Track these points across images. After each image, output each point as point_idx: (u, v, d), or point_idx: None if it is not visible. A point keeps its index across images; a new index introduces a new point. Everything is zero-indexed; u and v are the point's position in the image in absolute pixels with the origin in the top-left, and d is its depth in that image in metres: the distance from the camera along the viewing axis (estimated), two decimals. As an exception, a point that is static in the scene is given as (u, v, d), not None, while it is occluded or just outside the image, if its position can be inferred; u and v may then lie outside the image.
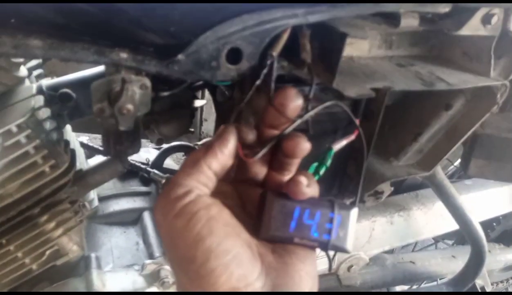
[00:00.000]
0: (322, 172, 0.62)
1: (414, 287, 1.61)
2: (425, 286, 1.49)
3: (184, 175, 0.47)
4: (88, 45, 0.59)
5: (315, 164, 0.64)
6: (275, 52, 0.67)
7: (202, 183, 0.47)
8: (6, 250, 0.86)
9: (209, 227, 0.44)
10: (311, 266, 0.49)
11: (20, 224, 0.84)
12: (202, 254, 0.43)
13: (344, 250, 0.51)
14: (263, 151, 0.51)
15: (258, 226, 0.50)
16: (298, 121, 0.53)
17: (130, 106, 0.63)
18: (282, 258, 0.48)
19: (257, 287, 0.44)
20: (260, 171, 0.55)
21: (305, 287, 0.47)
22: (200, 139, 1.29)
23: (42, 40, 0.58)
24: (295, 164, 0.54)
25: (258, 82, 0.65)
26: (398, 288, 1.51)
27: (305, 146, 0.50)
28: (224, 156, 0.49)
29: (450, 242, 1.89)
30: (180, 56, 0.63)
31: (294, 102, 0.51)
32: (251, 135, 0.53)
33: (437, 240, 1.88)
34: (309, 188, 0.49)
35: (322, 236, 0.50)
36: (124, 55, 0.61)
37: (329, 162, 0.63)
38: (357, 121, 0.79)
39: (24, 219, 0.84)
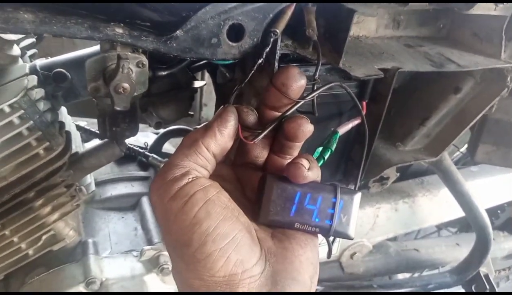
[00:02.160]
0: (327, 156, 0.60)
1: (416, 274, 1.59)
2: (427, 273, 1.47)
3: (181, 156, 0.45)
4: (82, 19, 0.56)
5: (320, 148, 0.61)
6: (279, 29, 0.63)
7: (200, 165, 0.45)
8: (2, 235, 0.84)
9: (206, 209, 0.42)
10: (312, 252, 0.47)
11: (15, 208, 0.82)
12: (198, 237, 0.41)
13: (346, 237, 0.49)
14: (264, 133, 0.49)
15: (257, 210, 0.48)
16: (301, 102, 0.50)
17: (126, 85, 0.60)
18: (281, 243, 0.46)
19: (256, 273, 0.42)
20: (260, 154, 0.53)
21: (305, 272, 0.45)
22: (199, 124, 1.26)
23: (33, 13, 0.55)
24: (297, 147, 0.51)
25: (260, 61, 0.62)
26: (400, 276, 1.49)
27: (307, 128, 0.48)
28: (223, 137, 0.47)
29: (453, 230, 1.87)
30: (178, 32, 0.60)
31: (297, 82, 0.48)
32: (252, 117, 0.50)
33: (440, 227, 1.86)
34: (310, 171, 0.47)
35: (324, 222, 0.48)
36: (119, 30, 0.58)
37: (334, 146, 0.61)
38: (363, 104, 0.76)
39: (19, 203, 0.82)
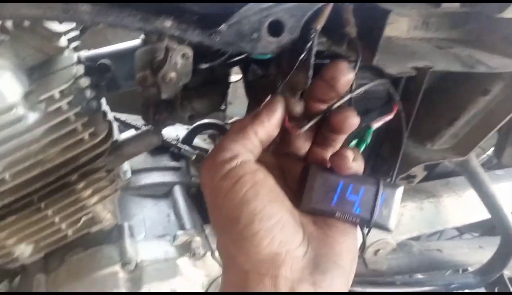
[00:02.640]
0: (362, 149, 0.62)
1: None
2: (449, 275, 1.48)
3: (231, 140, 0.48)
4: (134, 12, 0.60)
5: (354, 141, 0.64)
6: (318, 26, 0.66)
7: (248, 149, 0.48)
8: (44, 215, 0.89)
9: (254, 190, 0.44)
10: (352, 241, 0.49)
11: (58, 189, 0.87)
12: (246, 216, 0.43)
13: (386, 229, 0.50)
14: (310, 123, 0.51)
15: (299, 198, 0.50)
16: (348, 96, 0.52)
17: (173, 74, 0.64)
18: (323, 229, 0.48)
19: (299, 255, 0.45)
20: (303, 145, 0.55)
21: (345, 259, 0.47)
22: (223, 122, 1.30)
23: (90, 5, 0.59)
24: (341, 140, 0.53)
25: (302, 56, 0.65)
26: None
27: (354, 121, 0.49)
28: (271, 125, 0.49)
29: (476, 234, 1.86)
30: (222, 26, 0.63)
31: (346, 76, 0.50)
32: (298, 107, 0.52)
33: (462, 231, 1.86)
34: (355, 162, 0.48)
35: (365, 213, 0.49)
36: (168, 23, 0.61)
37: (369, 139, 0.63)
38: (394, 107, 0.78)
39: (62, 185, 0.86)
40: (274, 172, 0.53)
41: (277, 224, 0.44)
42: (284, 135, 0.55)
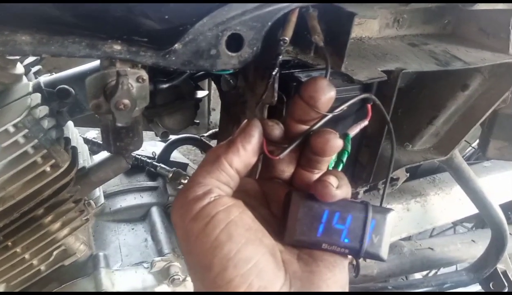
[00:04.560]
0: (345, 159, 0.58)
1: (432, 273, 1.57)
2: (444, 272, 1.45)
3: (203, 173, 0.43)
4: (79, 38, 0.56)
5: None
6: (288, 36, 0.62)
7: (223, 182, 0.44)
8: (13, 252, 0.85)
9: (228, 232, 0.40)
10: (341, 274, 0.45)
11: (25, 225, 0.82)
12: (219, 262, 0.39)
13: (378, 258, 0.46)
14: (290, 148, 0.47)
15: (282, 230, 0.45)
16: (329, 116, 0.47)
17: (126, 101, 0.60)
18: (308, 266, 0.44)
19: None
20: (287, 168, 0.51)
21: None
22: (208, 130, 1.26)
23: (30, 35, 0.55)
24: (326, 161, 0.49)
25: (274, 72, 0.62)
26: (418, 275, 1.47)
27: (336, 143, 0.45)
28: (247, 153, 0.45)
29: (469, 225, 1.84)
30: (177, 46, 0.59)
31: (326, 94, 0.45)
32: (277, 131, 0.47)
33: (455, 224, 1.84)
34: (339, 189, 0.44)
35: (354, 242, 0.45)
36: (117, 47, 0.57)
37: (349, 148, 0.58)
38: (368, 107, 0.75)
39: (29, 220, 0.82)
40: (257, 200, 0.50)
41: (254, 268, 0.40)
42: (265, 159, 0.51)
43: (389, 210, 0.47)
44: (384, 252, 0.46)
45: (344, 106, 0.53)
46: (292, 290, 0.41)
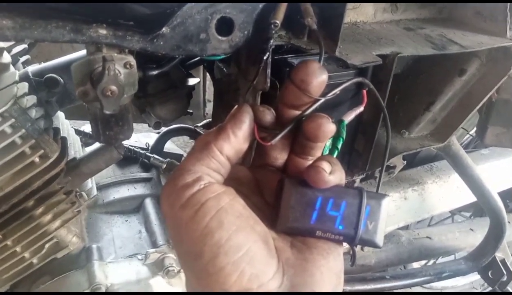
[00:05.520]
0: (340, 145, 0.56)
1: (430, 262, 1.56)
2: (442, 261, 1.44)
3: (193, 160, 0.42)
4: (63, 22, 0.54)
5: (330, 139, 0.58)
6: (279, 20, 0.61)
7: (213, 169, 0.42)
8: (4, 245, 0.83)
9: (218, 219, 0.39)
10: (335, 261, 0.44)
11: (15, 218, 0.81)
12: (210, 249, 0.38)
13: (374, 245, 0.45)
14: (281, 134, 0.45)
15: (275, 217, 0.44)
16: (321, 100, 0.46)
17: (113, 88, 0.58)
18: (301, 253, 0.43)
19: (272, 288, 0.39)
20: (280, 155, 0.49)
21: (327, 285, 0.42)
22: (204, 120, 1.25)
23: (11, 19, 0.53)
24: (319, 147, 0.47)
25: (266, 56, 0.60)
26: (416, 264, 1.46)
27: (329, 128, 0.44)
28: (237, 139, 0.44)
29: (467, 214, 1.83)
30: (164, 29, 0.57)
31: (317, 78, 0.44)
32: (268, 116, 0.46)
33: (453, 213, 1.83)
34: (332, 175, 0.42)
35: (348, 229, 0.44)
36: (103, 31, 0.55)
37: (344, 134, 0.57)
38: (363, 93, 0.73)
39: (19, 212, 0.81)
40: (249, 187, 0.48)
41: (246, 256, 0.38)
42: (258, 146, 0.49)
43: (383, 195, 0.46)
44: (379, 239, 0.45)
45: (336, 91, 0.51)
46: (285, 278, 0.40)
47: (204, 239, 0.38)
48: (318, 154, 0.48)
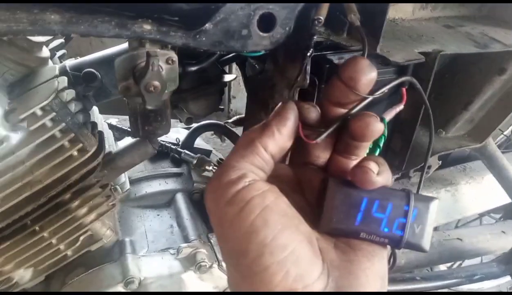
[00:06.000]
0: (382, 143, 0.55)
1: (456, 264, 1.53)
2: (470, 263, 1.41)
3: (237, 157, 0.42)
4: (109, 17, 0.55)
5: None
6: (322, 16, 0.60)
7: (257, 166, 0.42)
8: (40, 237, 0.85)
9: (264, 217, 0.38)
10: (380, 264, 0.42)
11: (52, 210, 0.82)
12: (255, 248, 0.37)
13: (420, 249, 0.44)
14: (327, 132, 0.45)
15: (318, 217, 0.43)
16: (369, 99, 0.44)
17: (156, 83, 0.58)
18: (346, 254, 0.42)
19: (318, 289, 0.38)
20: (322, 154, 0.48)
21: (372, 288, 0.41)
22: (229, 118, 1.25)
23: (60, 14, 0.53)
24: (364, 147, 0.46)
25: (309, 52, 0.60)
26: (442, 267, 1.44)
27: (377, 127, 0.42)
28: (282, 137, 0.43)
29: (497, 216, 1.79)
30: (207, 25, 0.57)
31: (367, 75, 0.42)
32: (313, 114, 0.45)
33: (482, 214, 1.79)
34: (380, 176, 0.41)
35: (394, 232, 0.42)
36: (147, 27, 0.56)
37: (386, 132, 0.56)
38: (403, 91, 0.72)
39: (56, 205, 0.82)
40: (291, 185, 0.48)
41: (291, 256, 0.38)
42: (300, 144, 0.48)
43: (432, 198, 0.44)
44: (426, 243, 0.44)
45: (385, 89, 0.50)
46: (330, 280, 0.39)
47: (249, 237, 0.38)
48: (362, 153, 0.47)
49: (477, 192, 1.26)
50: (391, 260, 0.56)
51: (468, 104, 0.91)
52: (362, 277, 0.41)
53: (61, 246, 0.89)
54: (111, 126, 1.13)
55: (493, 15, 0.91)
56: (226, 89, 2.27)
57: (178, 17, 0.56)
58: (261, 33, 0.60)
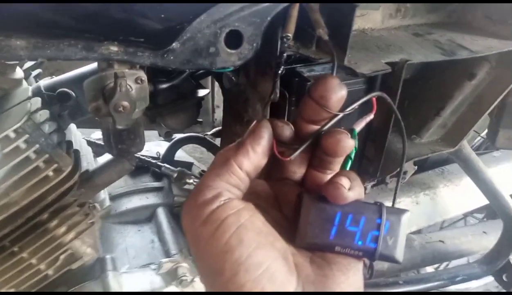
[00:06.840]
0: (353, 155, 0.56)
1: (442, 266, 1.54)
2: (455, 264, 1.43)
3: (212, 176, 0.42)
4: (75, 41, 0.55)
5: None
6: (290, 33, 0.61)
7: (232, 185, 0.42)
8: (20, 258, 0.84)
9: (238, 236, 0.39)
10: (355, 277, 0.43)
11: (30, 230, 0.82)
12: (230, 266, 0.38)
13: (393, 260, 0.45)
14: (300, 149, 0.45)
15: (294, 233, 0.44)
16: (340, 116, 0.45)
17: (125, 103, 0.59)
18: (321, 269, 0.43)
19: None
20: (298, 169, 0.49)
21: None
22: (213, 127, 1.25)
23: (25, 39, 0.54)
24: (338, 162, 0.47)
25: (280, 70, 0.61)
26: (429, 268, 1.45)
27: (348, 144, 0.43)
28: (257, 155, 0.44)
29: (480, 216, 1.82)
30: (175, 45, 0.58)
31: (337, 94, 0.43)
32: (287, 131, 0.46)
33: (466, 215, 1.81)
34: (351, 191, 0.42)
35: (368, 245, 0.43)
36: (114, 48, 0.56)
37: (357, 144, 0.57)
38: (373, 100, 0.73)
39: (34, 225, 0.82)
40: (267, 201, 0.48)
41: (266, 273, 0.39)
42: (276, 160, 0.48)
43: (403, 211, 0.45)
44: (399, 254, 0.44)
45: (355, 105, 0.51)
46: None
47: (224, 256, 0.38)
48: (336, 168, 0.48)
49: (456, 194, 1.28)
50: (370, 271, 0.56)
51: (440, 110, 0.92)
52: (337, 290, 0.41)
53: (42, 266, 0.88)
54: (90, 143, 1.12)
55: (462, 21, 0.93)
56: (209, 99, 2.28)
57: (144, 38, 0.57)
58: (228, 50, 0.61)
